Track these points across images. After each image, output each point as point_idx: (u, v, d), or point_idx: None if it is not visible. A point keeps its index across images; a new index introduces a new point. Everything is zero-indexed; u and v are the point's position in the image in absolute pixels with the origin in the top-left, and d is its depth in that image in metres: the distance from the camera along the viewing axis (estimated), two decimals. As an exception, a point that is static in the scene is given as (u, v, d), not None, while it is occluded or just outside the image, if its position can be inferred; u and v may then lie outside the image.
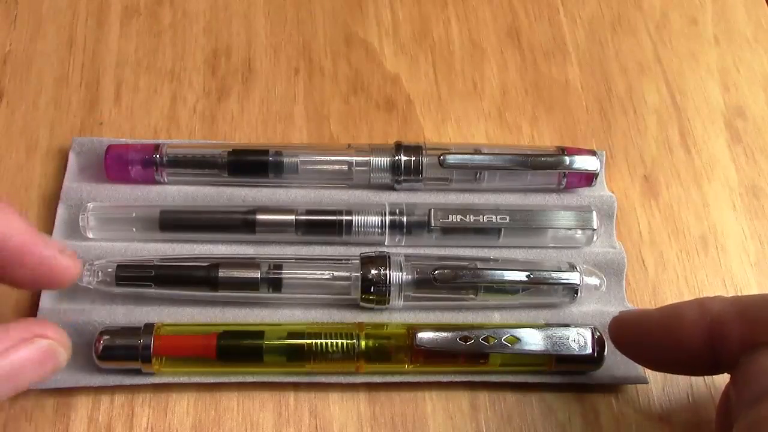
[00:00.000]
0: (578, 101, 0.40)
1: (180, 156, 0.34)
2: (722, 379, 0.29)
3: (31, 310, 0.31)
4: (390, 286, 0.31)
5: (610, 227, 0.35)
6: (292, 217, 0.33)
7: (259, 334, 0.30)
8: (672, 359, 0.27)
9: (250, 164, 0.34)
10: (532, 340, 0.30)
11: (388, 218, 0.33)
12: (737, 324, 0.25)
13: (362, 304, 0.32)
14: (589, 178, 0.35)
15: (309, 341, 0.30)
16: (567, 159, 0.35)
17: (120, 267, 0.31)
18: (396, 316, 0.32)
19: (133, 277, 0.31)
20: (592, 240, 0.34)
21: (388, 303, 0.32)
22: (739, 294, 0.35)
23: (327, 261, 0.32)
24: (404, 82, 0.39)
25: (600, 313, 0.33)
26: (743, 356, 0.24)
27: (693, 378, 0.32)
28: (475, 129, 0.38)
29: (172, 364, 0.30)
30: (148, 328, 0.30)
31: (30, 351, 0.24)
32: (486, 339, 0.30)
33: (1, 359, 0.23)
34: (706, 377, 0.32)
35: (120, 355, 0.29)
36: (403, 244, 0.34)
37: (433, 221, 0.33)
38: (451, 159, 0.34)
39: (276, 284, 0.31)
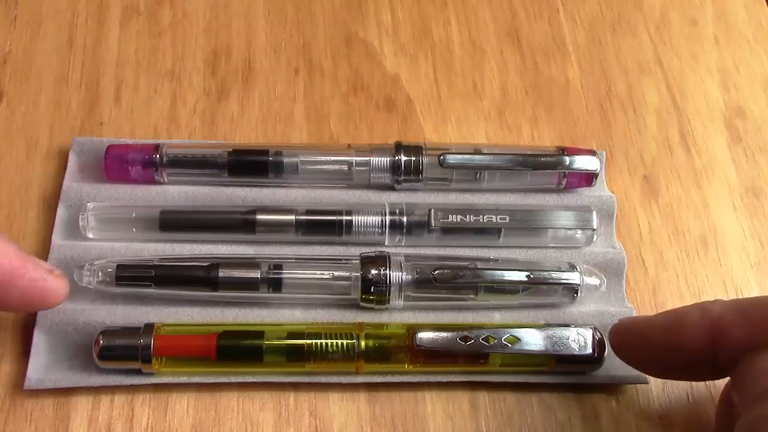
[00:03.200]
0: (578, 101, 0.40)
1: (180, 156, 0.34)
2: (722, 380, 0.29)
3: (31, 310, 0.31)
4: (390, 286, 0.31)
5: (610, 227, 0.35)
6: (292, 217, 0.33)
7: (259, 334, 0.30)
8: (674, 364, 0.27)
9: (250, 164, 0.34)
10: (532, 340, 0.30)
11: (388, 218, 0.33)
12: (738, 325, 0.25)
13: (362, 304, 0.32)
14: (589, 178, 0.35)
15: (309, 341, 0.30)
16: (567, 159, 0.35)
17: (120, 267, 0.31)
18: (396, 316, 0.32)
19: (133, 277, 0.31)
20: (592, 240, 0.34)
21: (388, 303, 0.32)
22: (740, 294, 0.35)
23: (327, 261, 0.32)
24: (404, 82, 0.39)
25: (600, 313, 0.33)
26: (744, 358, 0.24)
27: (693, 378, 0.32)
28: (475, 129, 0.38)
29: (172, 364, 0.30)
30: (148, 328, 0.29)
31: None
32: (486, 339, 0.30)
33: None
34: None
35: (120, 355, 0.29)
36: (403, 244, 0.34)
37: (433, 221, 0.33)
38: (451, 159, 0.34)
39: (276, 284, 0.31)
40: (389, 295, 0.31)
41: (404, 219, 0.33)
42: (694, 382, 0.32)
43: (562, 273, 0.32)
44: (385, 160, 0.34)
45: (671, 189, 0.37)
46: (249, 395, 0.31)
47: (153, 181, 0.34)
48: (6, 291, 0.26)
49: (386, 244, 0.33)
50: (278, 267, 0.31)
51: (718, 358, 0.25)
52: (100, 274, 0.30)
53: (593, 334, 0.31)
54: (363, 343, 0.30)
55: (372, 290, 0.31)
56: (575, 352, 0.30)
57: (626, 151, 0.38)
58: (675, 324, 0.26)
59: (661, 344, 0.27)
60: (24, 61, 0.37)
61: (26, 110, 0.36)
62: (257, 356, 0.30)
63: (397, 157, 0.34)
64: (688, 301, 0.34)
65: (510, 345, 0.30)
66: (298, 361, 0.30)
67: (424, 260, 0.32)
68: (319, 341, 0.30)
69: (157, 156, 0.33)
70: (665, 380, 0.32)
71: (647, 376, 0.31)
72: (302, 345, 0.30)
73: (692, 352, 0.26)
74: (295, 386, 0.31)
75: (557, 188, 0.36)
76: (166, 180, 0.34)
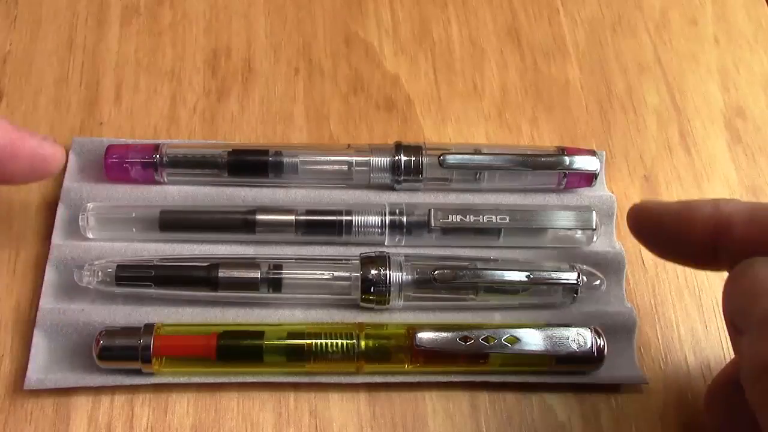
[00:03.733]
0: (578, 101, 0.40)
1: (180, 156, 0.34)
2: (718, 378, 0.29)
3: (31, 310, 0.31)
4: (390, 286, 0.31)
5: (610, 227, 0.35)
6: (292, 217, 0.33)
7: (259, 334, 0.30)
8: (679, 250, 0.28)
9: (250, 164, 0.34)
10: (532, 340, 0.30)
11: (388, 218, 0.33)
12: (744, 225, 0.26)
13: (362, 304, 0.32)
14: (589, 178, 0.35)
15: (309, 341, 0.30)
16: (567, 159, 0.35)
17: (120, 267, 0.31)
18: (396, 316, 0.32)
19: (133, 277, 0.31)
20: (592, 240, 0.34)
21: (388, 303, 0.32)
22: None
23: (327, 261, 0.32)
24: (404, 82, 0.39)
25: (600, 313, 0.33)
26: (746, 259, 0.25)
27: (692, 378, 0.32)
28: (475, 129, 0.38)
29: (172, 364, 0.30)
30: (148, 328, 0.29)
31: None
32: (486, 339, 0.30)
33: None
34: (705, 379, 0.32)
35: (120, 355, 0.29)
36: (403, 244, 0.34)
37: (433, 221, 0.33)
38: (451, 159, 0.34)
39: (276, 284, 0.31)
40: (389, 295, 0.31)
41: (404, 219, 0.33)
42: (694, 382, 0.32)
43: (561, 273, 0.32)
44: (384, 160, 0.34)
45: (671, 189, 0.37)
46: (249, 395, 0.31)
47: (153, 181, 0.34)
48: (10, 161, 0.27)
49: (386, 244, 0.33)
50: (278, 267, 0.31)
51: (719, 250, 0.26)
52: (100, 274, 0.30)
53: (593, 334, 0.31)
54: (363, 343, 0.30)
55: (372, 290, 0.31)
56: (575, 352, 0.30)
57: (626, 151, 0.38)
58: (687, 213, 0.27)
59: (671, 228, 0.28)
60: (24, 61, 0.37)
61: (26, 110, 0.36)
62: (257, 356, 0.30)
63: (396, 157, 0.34)
64: (689, 302, 0.34)
65: (510, 345, 0.30)
66: (298, 361, 0.30)
67: (424, 260, 0.32)
68: (319, 341, 0.30)
69: (157, 156, 0.33)
70: (665, 380, 0.32)
71: (647, 376, 0.32)
72: (302, 345, 0.30)
73: (697, 240, 0.27)
74: (295, 386, 0.31)
75: (557, 188, 0.36)
76: (166, 180, 0.34)
